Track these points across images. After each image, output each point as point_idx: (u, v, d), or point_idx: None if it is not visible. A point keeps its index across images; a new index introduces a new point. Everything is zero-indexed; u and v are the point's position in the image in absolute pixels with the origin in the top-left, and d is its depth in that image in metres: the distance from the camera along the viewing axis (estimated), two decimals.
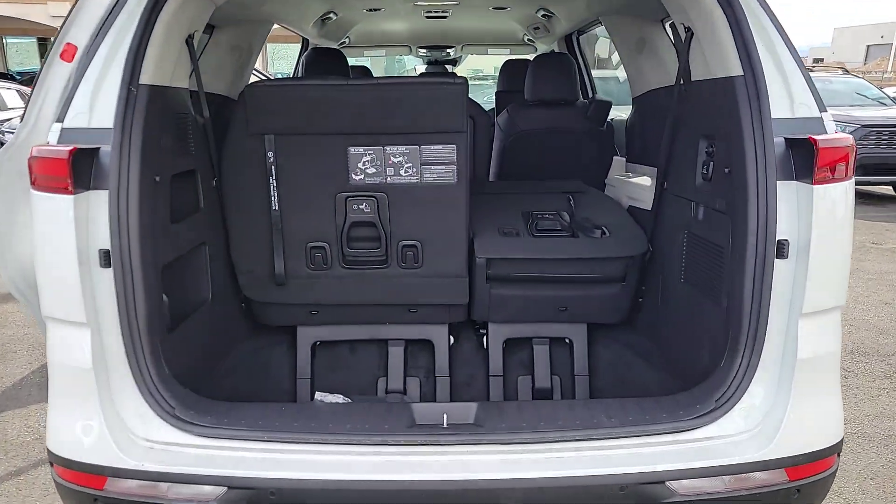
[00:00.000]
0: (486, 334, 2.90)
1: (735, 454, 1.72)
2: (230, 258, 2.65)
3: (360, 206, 2.54)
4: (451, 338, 2.92)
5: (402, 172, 2.48)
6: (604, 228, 2.76)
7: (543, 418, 1.79)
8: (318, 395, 1.99)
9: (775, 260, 1.76)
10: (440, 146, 2.44)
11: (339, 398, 2.00)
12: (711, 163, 2.16)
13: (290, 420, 1.77)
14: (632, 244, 2.69)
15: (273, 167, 2.47)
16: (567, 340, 2.94)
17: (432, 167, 2.47)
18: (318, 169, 2.47)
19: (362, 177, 2.49)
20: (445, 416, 1.80)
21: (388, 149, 2.44)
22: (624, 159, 3.94)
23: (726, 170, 1.95)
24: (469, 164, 2.52)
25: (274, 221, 2.55)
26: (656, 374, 2.64)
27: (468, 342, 2.98)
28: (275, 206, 2.52)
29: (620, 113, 4.51)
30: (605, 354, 2.93)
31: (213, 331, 2.50)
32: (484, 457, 1.70)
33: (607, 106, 3.77)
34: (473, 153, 3.46)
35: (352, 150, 2.44)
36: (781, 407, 1.78)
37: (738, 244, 1.87)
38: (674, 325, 2.50)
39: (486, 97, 9.78)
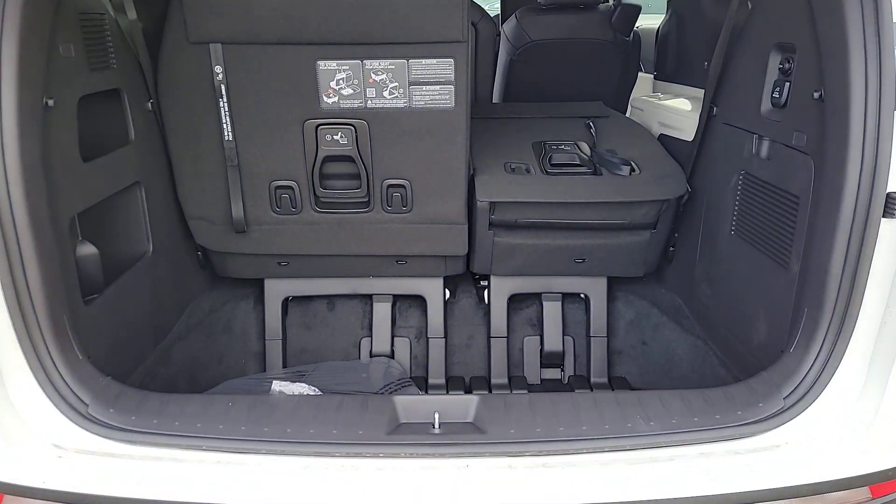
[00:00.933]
0: (488, 288, 2.50)
1: (809, 469, 1.36)
2: (177, 201, 2.21)
3: (335, 137, 2.07)
4: (447, 292, 2.52)
5: (385, 94, 2.00)
6: (633, 164, 2.30)
7: (563, 420, 1.41)
8: (276, 386, 1.62)
9: (881, 219, 1.33)
10: (434, 61, 1.95)
11: (302, 388, 1.63)
12: (787, 83, 1.68)
13: (238, 421, 1.40)
14: (667, 184, 2.24)
15: (223, 86, 1.98)
16: (582, 296, 2.54)
17: (424, 88, 1.98)
18: (280, 88, 1.98)
19: (336, 99, 2.00)
20: (437, 415, 1.43)
21: (368, 63, 1.95)
22: (651, 76, 3.42)
23: (815, 94, 1.48)
24: (470, 83, 2.03)
25: (228, 155, 2.09)
26: (687, 339, 2.26)
27: (467, 298, 2.59)
28: (228, 135, 2.05)
29: (646, 21, 3.94)
30: (627, 313, 2.54)
31: (158, 290, 2.09)
32: (487, 473, 1.34)
33: (636, 11, 3.21)
34: (475, 69, 2.94)
35: (322, 64, 1.95)
36: (871, 408, 1.40)
37: (825, 194, 1.43)
38: (715, 286, 2.09)
39: (489, 3, 8.97)
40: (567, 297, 2.54)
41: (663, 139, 2.59)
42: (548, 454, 1.35)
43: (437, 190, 2.17)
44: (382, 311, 2.51)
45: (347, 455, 1.35)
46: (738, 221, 1.95)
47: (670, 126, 2.54)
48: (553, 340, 2.50)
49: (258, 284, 2.49)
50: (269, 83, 1.97)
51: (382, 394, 2.03)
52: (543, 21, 3.09)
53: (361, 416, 1.44)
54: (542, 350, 2.52)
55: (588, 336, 2.49)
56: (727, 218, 2.00)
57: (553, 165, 2.35)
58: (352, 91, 2.00)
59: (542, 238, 2.33)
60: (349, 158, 2.11)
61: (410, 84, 1.99)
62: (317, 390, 1.66)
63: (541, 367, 2.54)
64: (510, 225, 2.30)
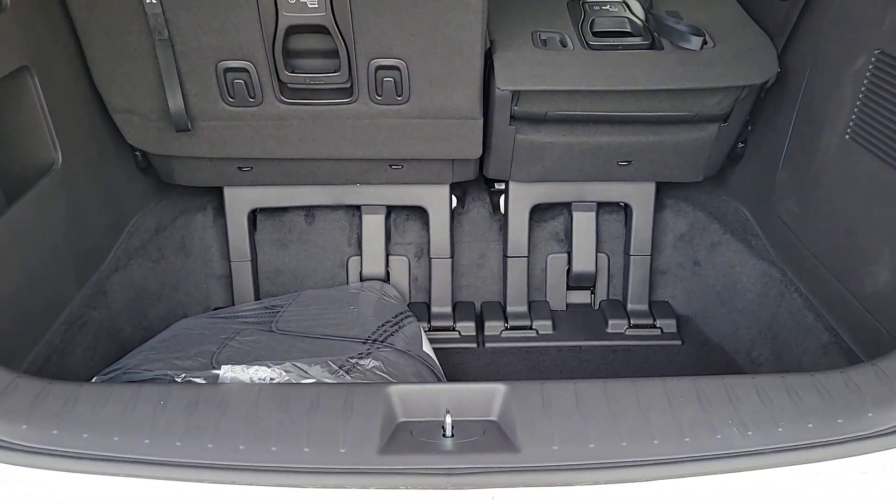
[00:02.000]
0: (506, 196, 2.04)
1: None
2: (95, 90, 1.68)
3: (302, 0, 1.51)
4: (454, 200, 2.07)
5: None
6: (705, 33, 1.74)
7: (624, 427, 1.02)
8: (227, 372, 1.22)
9: None
10: None
11: (261, 371, 1.22)
12: None
13: (171, 432, 1.01)
14: (751, 63, 1.70)
15: None
16: (623, 205, 2.09)
17: None
18: None
19: None
20: (449, 415, 1.04)
21: None
22: None
23: None
24: None
25: (153, 25, 1.53)
26: (757, 265, 1.83)
27: (478, 207, 2.13)
28: None
29: None
30: (678, 225, 2.10)
31: (79, 210, 1.63)
32: None
33: None
34: None
35: None
36: None
37: None
38: (810, 204, 1.63)
39: None
40: (603, 207, 2.09)
41: None
42: (607, 483, 0.98)
43: (442, 73, 1.64)
44: (374, 224, 2.07)
45: (325, 486, 0.97)
46: (858, 122, 1.44)
47: None
48: (584, 258, 2.08)
49: (217, 192, 2.03)
50: None
51: (376, 342, 1.64)
52: None
53: (345, 420, 1.05)
54: (569, 270, 2.11)
55: (628, 254, 2.07)
56: (841, 115, 1.49)
57: (596, 35, 1.80)
58: None
59: (578, 135, 1.83)
60: (323, 30, 1.57)
61: None
62: (282, 373, 1.26)
63: (567, 289, 2.14)
64: (538, 119, 1.79)
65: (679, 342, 2.00)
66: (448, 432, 1.05)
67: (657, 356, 1.95)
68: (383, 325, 1.76)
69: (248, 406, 1.07)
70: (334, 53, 1.61)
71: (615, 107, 1.73)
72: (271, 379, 1.25)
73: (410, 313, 1.89)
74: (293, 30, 1.57)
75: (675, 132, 1.83)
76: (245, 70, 1.63)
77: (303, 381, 1.29)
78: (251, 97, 1.68)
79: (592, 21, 1.84)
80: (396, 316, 1.84)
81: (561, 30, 1.81)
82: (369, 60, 1.62)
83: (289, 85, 1.68)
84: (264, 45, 1.58)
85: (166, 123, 1.70)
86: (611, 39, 1.80)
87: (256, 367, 1.26)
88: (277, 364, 1.46)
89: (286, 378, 1.28)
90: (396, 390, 1.11)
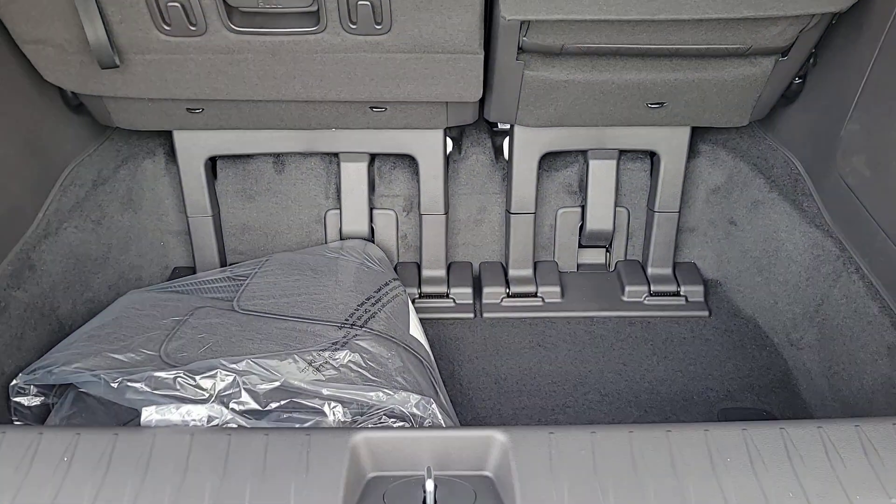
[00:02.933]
0: (510, 141, 1.75)
1: None
2: None
3: None
4: (449, 143, 1.78)
5: None
6: None
7: (652, 491, 0.81)
8: (150, 415, 0.97)
9: None
10: None
11: (195, 410, 0.96)
12: None
13: None
14: None
15: None
16: (649, 153, 1.80)
17: None
18: None
19: None
20: (430, 480, 0.82)
21: None
22: None
23: None
24: None
25: None
26: (807, 232, 1.56)
27: (478, 154, 1.84)
28: None
29: None
30: (713, 176, 1.81)
31: None
32: None
33: None
34: None
35: None
36: None
37: None
38: (887, 164, 1.34)
39: None
40: (625, 154, 1.80)
41: None
42: None
43: None
44: (355, 173, 1.79)
45: None
46: None
47: None
48: (600, 214, 1.81)
49: (168, 134, 1.74)
50: None
51: (355, 326, 1.41)
52: None
53: (300, 481, 0.83)
54: (582, 227, 1.85)
55: (651, 209, 1.80)
56: None
57: None
58: None
59: (601, 71, 1.51)
60: None
61: None
62: (223, 410, 1.03)
63: (579, 247, 1.89)
64: (552, 52, 1.47)
65: (706, 313, 1.77)
66: (430, 500, 0.83)
67: (680, 330, 1.73)
68: (364, 301, 1.53)
69: (175, 463, 0.86)
70: None
71: (649, 38, 1.41)
72: (209, 418, 1.02)
73: (398, 283, 1.65)
74: None
75: (720, 67, 1.51)
76: None
77: (247, 425, 1.06)
78: (192, 24, 1.35)
79: None
80: (380, 289, 1.59)
81: None
82: None
83: (240, 9, 1.35)
84: None
85: (89, 57, 1.39)
86: None
87: (188, 407, 1.03)
88: (233, 360, 1.24)
89: (228, 418, 1.05)
90: (365, 439, 0.89)
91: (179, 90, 1.49)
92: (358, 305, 1.51)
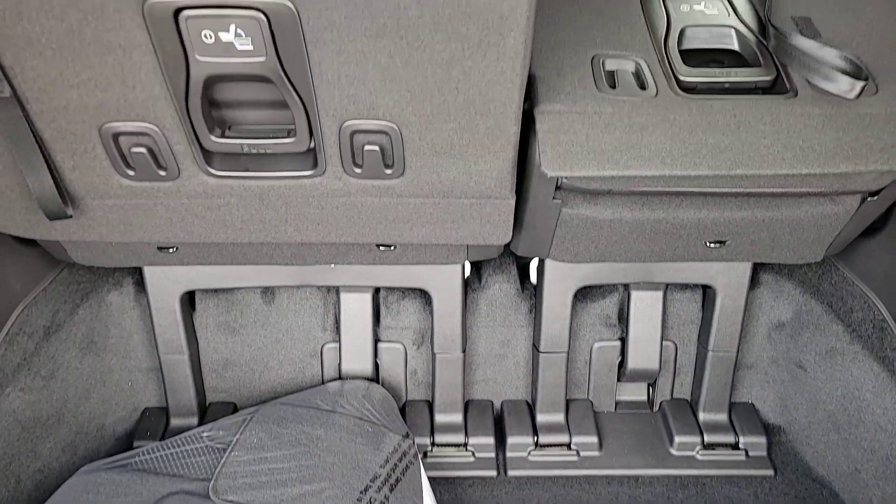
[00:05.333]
0: (540, 272, 1.54)
1: None
2: None
3: (222, 36, 0.95)
4: (467, 266, 1.57)
5: None
6: (864, 68, 1.18)
7: None
8: None
9: None
10: None
11: None
12: None
13: None
14: None
15: None
16: (704, 289, 1.60)
17: None
18: None
19: None
20: None
21: None
22: None
23: None
24: None
25: None
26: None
27: (501, 281, 1.64)
28: None
29: None
30: (777, 311, 1.61)
31: None
32: None
33: None
34: None
35: None
36: None
37: None
38: None
39: None
40: (675, 290, 1.60)
41: None
42: None
43: (455, 141, 1.11)
44: (357, 303, 1.58)
45: None
46: None
47: None
48: (644, 351, 1.61)
49: (134, 272, 1.53)
50: None
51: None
52: None
53: None
54: (622, 363, 1.64)
55: (706, 348, 1.59)
56: None
57: (688, 55, 1.24)
58: None
59: (653, 210, 1.31)
60: (265, 79, 1.02)
61: None
62: None
63: (618, 379, 1.68)
64: (592, 191, 1.27)
65: (770, 471, 1.56)
66: None
67: (741, 494, 1.52)
68: (370, 485, 1.31)
69: None
70: (280, 105, 1.07)
71: (716, 183, 1.20)
72: None
73: (408, 442, 1.44)
74: (217, 79, 1.03)
75: (796, 206, 1.31)
76: (147, 134, 1.09)
77: None
78: (161, 168, 1.15)
79: (682, 32, 1.28)
80: (387, 459, 1.38)
81: (636, 49, 1.25)
82: (341, 123, 1.08)
83: (219, 153, 1.14)
84: (173, 102, 1.04)
85: (31, 205, 1.19)
86: (712, 67, 1.25)
87: None
88: None
89: None
90: None
91: (147, 234, 1.28)
92: (362, 492, 1.30)
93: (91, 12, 0.90)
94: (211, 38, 0.95)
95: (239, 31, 0.94)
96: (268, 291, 1.59)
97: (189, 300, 1.57)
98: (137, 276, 1.55)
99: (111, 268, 1.55)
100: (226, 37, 0.95)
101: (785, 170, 1.08)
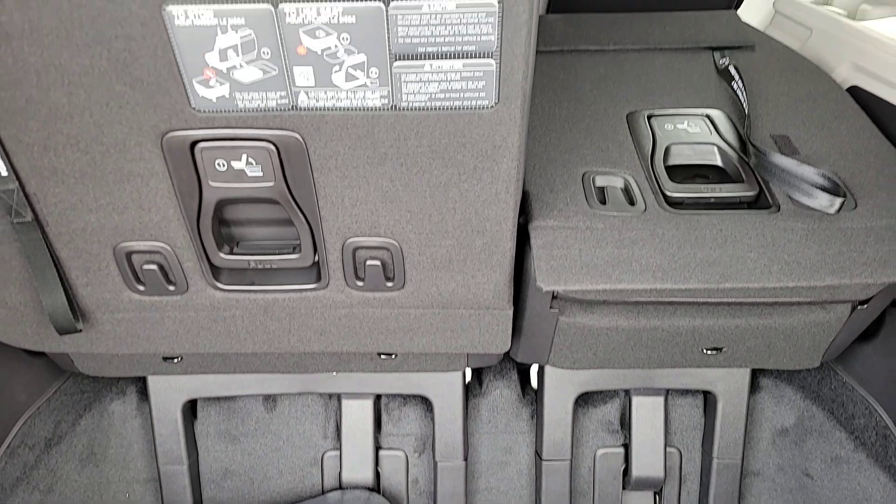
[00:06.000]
0: (541, 378, 1.56)
1: None
2: None
3: (234, 164, 1.02)
4: (468, 373, 1.59)
5: (336, 79, 0.92)
6: (842, 185, 1.24)
7: None
8: None
9: None
10: (449, 3, 0.85)
11: None
12: None
13: None
14: None
15: None
16: (705, 394, 1.61)
17: (426, 66, 0.91)
18: (97, 69, 0.91)
19: (225, 90, 0.93)
20: None
21: (291, 10, 0.86)
22: None
23: None
24: (534, 49, 0.95)
25: (7, 205, 1.05)
26: None
27: (502, 387, 1.65)
28: None
29: None
30: (779, 417, 1.61)
31: None
32: None
33: None
34: None
35: (178, 13, 0.86)
36: None
37: None
38: None
39: None
40: (676, 395, 1.61)
41: (871, 103, 1.50)
42: None
43: (453, 256, 1.16)
44: (358, 411, 1.59)
45: None
46: None
47: (891, 83, 1.44)
48: (648, 458, 1.59)
49: (137, 381, 1.55)
50: (66, 54, 0.89)
51: None
52: None
53: None
54: (627, 470, 1.62)
55: (711, 456, 1.58)
56: None
57: (673, 171, 1.32)
58: (260, 73, 0.92)
59: (648, 318, 1.35)
60: (272, 200, 1.08)
61: (395, 58, 0.90)
62: None
63: (623, 487, 1.66)
64: (588, 301, 1.31)
65: None
66: None
67: None
68: None
69: None
70: (285, 222, 1.13)
71: (708, 294, 1.24)
72: None
73: None
74: (228, 202, 1.09)
75: (788, 314, 1.34)
76: (159, 252, 1.15)
77: None
78: (170, 283, 1.20)
79: (667, 150, 1.36)
80: None
81: (624, 166, 1.32)
82: (344, 240, 1.13)
83: (226, 268, 1.20)
84: (185, 223, 1.10)
85: (43, 320, 1.23)
86: (697, 183, 1.32)
87: None
88: None
89: None
90: None
91: (153, 346, 1.32)
92: None
93: (114, 146, 0.98)
94: (224, 166, 1.02)
95: (250, 159, 1.02)
96: (269, 399, 1.61)
97: (191, 408, 1.58)
98: (141, 384, 1.57)
99: (109, 382, 1.57)
100: (238, 165, 1.02)
101: (772, 283, 1.12)
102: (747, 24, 1.84)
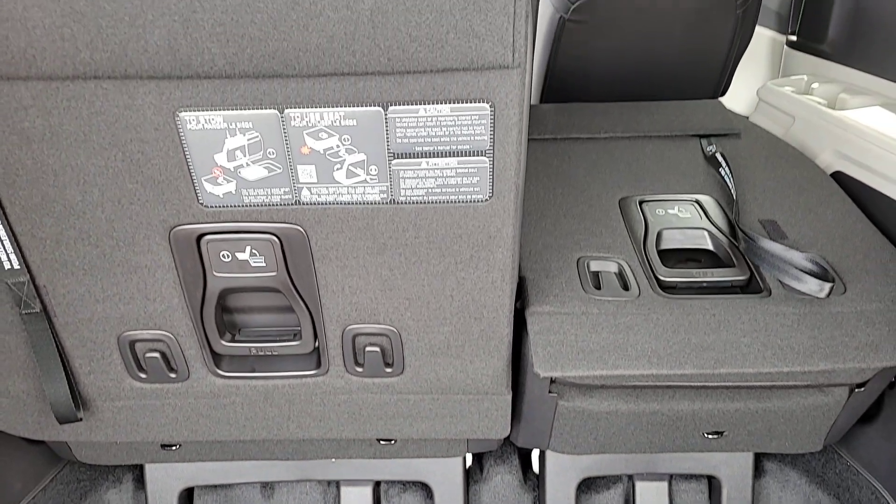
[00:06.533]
0: (542, 465, 1.54)
1: None
2: None
3: (239, 255, 1.06)
4: (468, 457, 1.57)
5: (338, 176, 0.97)
6: (829, 270, 1.28)
7: None
8: None
9: None
10: (445, 108, 0.91)
11: None
12: None
13: None
14: None
15: None
16: (709, 480, 1.59)
17: (423, 163, 0.96)
18: (108, 167, 0.96)
19: (232, 187, 0.98)
20: None
21: (296, 115, 0.92)
22: (778, 37, 2.34)
23: None
24: (525, 146, 1.01)
25: (18, 297, 1.08)
26: None
27: (503, 473, 1.63)
28: (10, 261, 1.04)
29: None
30: (787, 502, 1.59)
31: None
32: None
33: None
34: None
35: (190, 119, 0.91)
36: None
37: None
38: None
39: None
40: (680, 480, 1.59)
41: (855, 189, 1.55)
42: None
43: (451, 343, 1.18)
44: (357, 499, 1.56)
45: None
46: None
47: (872, 169, 1.50)
48: None
49: (134, 469, 1.54)
50: (83, 156, 0.94)
51: None
52: None
53: None
54: None
55: None
56: None
57: (666, 255, 1.35)
58: (265, 171, 0.97)
59: (648, 402, 1.35)
60: (273, 290, 1.12)
61: (393, 157, 0.95)
62: None
63: None
64: (587, 386, 1.32)
65: None
66: None
67: None
68: None
69: None
70: (286, 309, 1.16)
71: (705, 379, 1.25)
72: None
73: None
74: (231, 291, 1.12)
75: (786, 397, 1.35)
76: (162, 340, 1.17)
77: None
78: (172, 371, 1.21)
79: (659, 234, 1.40)
80: None
81: (617, 250, 1.36)
82: (344, 327, 1.16)
83: (227, 355, 1.22)
84: (189, 312, 1.13)
85: (45, 408, 1.24)
86: (689, 267, 1.35)
87: None
88: None
89: None
90: None
91: (152, 433, 1.32)
92: None
93: (123, 239, 1.02)
94: (228, 257, 1.06)
95: (254, 251, 1.06)
96: (267, 486, 1.59)
97: (188, 496, 1.56)
98: (138, 472, 1.55)
99: (107, 469, 1.56)
100: (242, 256, 1.06)
101: (767, 368, 1.13)
102: (732, 112, 1.93)
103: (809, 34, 2.05)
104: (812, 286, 1.23)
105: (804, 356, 1.14)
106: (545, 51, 2.31)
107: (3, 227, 0.99)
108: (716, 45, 2.20)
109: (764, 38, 2.44)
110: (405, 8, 0.80)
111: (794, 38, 2.15)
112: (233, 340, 1.19)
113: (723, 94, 2.41)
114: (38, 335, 1.12)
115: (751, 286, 1.29)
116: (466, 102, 0.90)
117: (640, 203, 1.48)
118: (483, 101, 0.90)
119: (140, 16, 0.79)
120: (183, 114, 0.90)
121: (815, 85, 1.88)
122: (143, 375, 1.21)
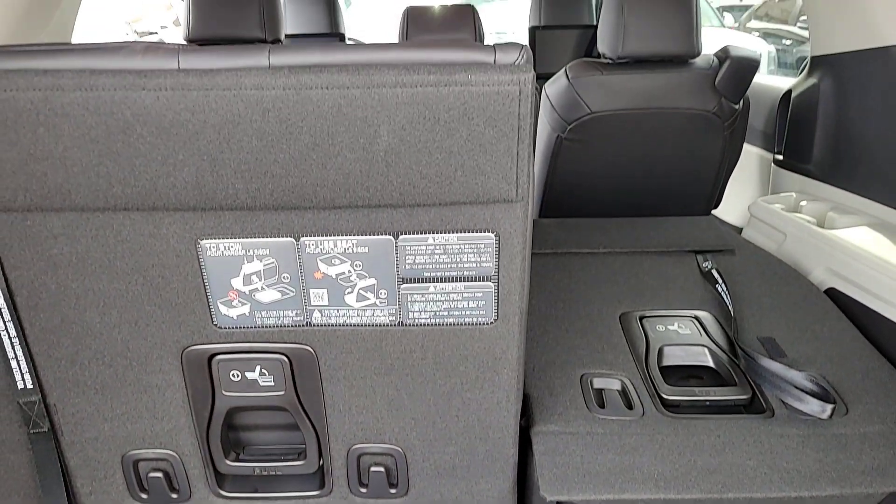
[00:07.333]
0: None
1: None
2: None
3: (249, 374, 1.08)
4: None
5: (348, 300, 1.01)
6: (831, 392, 1.29)
7: None
8: None
9: None
10: (452, 237, 0.96)
11: None
12: None
13: None
14: None
15: (6, 289, 0.99)
16: None
17: (431, 288, 1.00)
18: (126, 293, 0.99)
19: (246, 309, 1.02)
20: None
21: (310, 243, 0.96)
22: (765, 154, 2.46)
23: None
24: (528, 267, 1.05)
25: (28, 416, 1.09)
26: None
27: None
28: (24, 380, 1.06)
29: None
30: None
31: None
32: None
33: (752, 67, 2.24)
34: None
35: (211, 246, 0.96)
36: None
37: None
38: None
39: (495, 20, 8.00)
40: None
41: (849, 306, 1.59)
42: None
43: (457, 463, 1.18)
44: None
45: None
46: None
47: (865, 288, 1.54)
48: None
49: None
50: (106, 281, 0.98)
51: None
52: (609, 84, 2.12)
53: None
54: None
55: None
56: None
57: (667, 372, 1.36)
58: (279, 294, 1.01)
59: None
60: (280, 409, 1.13)
61: (402, 281, 1.00)
62: None
63: None
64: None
65: None
66: None
67: None
68: None
69: None
70: (292, 427, 1.16)
71: (713, 501, 1.24)
72: None
73: None
74: (239, 409, 1.13)
75: None
76: (166, 460, 1.17)
77: None
78: (173, 491, 1.20)
79: (660, 351, 1.42)
80: None
81: (619, 367, 1.37)
82: (350, 446, 1.16)
83: (230, 475, 1.21)
84: (195, 431, 1.13)
85: None
86: (691, 385, 1.36)
87: None
88: None
89: None
90: None
91: None
92: None
93: (136, 359, 1.04)
94: (238, 376, 1.08)
95: (263, 370, 1.08)
96: None
97: None
98: None
99: None
100: (251, 375, 1.08)
101: (774, 493, 1.12)
102: (726, 225, 2.00)
103: (794, 155, 2.16)
104: (814, 407, 1.24)
105: (811, 480, 1.13)
106: (544, 167, 2.42)
107: (21, 347, 1.02)
108: (706, 161, 2.31)
109: (753, 156, 2.57)
110: (417, 149, 0.87)
111: (780, 157, 2.26)
112: (237, 460, 1.18)
113: (716, 206, 2.51)
114: (43, 455, 1.12)
115: (753, 405, 1.30)
116: (473, 232, 0.95)
117: (641, 319, 1.52)
118: (489, 231, 0.95)
119: (172, 156, 0.86)
120: (204, 241, 0.95)
121: (803, 203, 1.97)
122: (144, 496, 1.20)
